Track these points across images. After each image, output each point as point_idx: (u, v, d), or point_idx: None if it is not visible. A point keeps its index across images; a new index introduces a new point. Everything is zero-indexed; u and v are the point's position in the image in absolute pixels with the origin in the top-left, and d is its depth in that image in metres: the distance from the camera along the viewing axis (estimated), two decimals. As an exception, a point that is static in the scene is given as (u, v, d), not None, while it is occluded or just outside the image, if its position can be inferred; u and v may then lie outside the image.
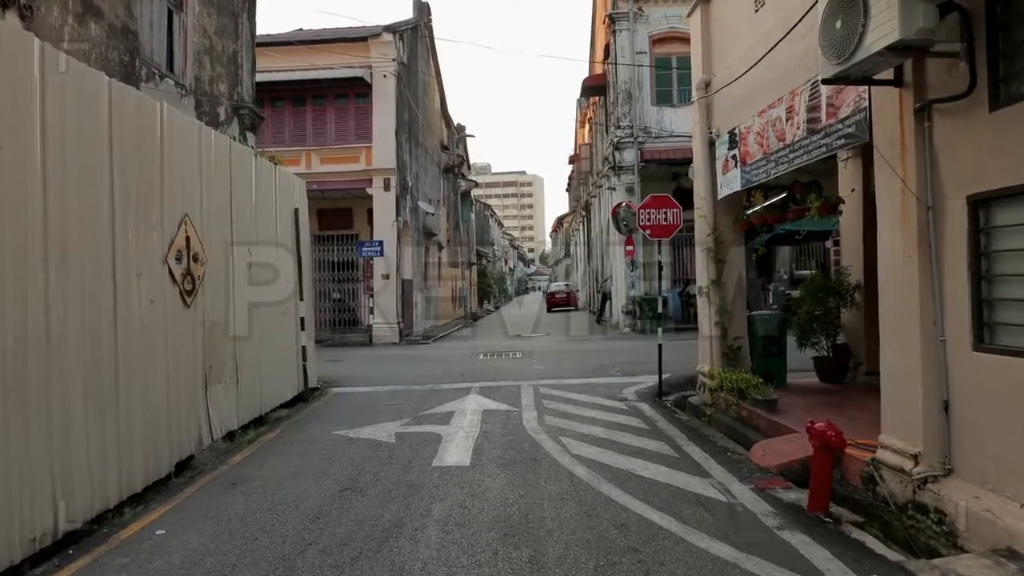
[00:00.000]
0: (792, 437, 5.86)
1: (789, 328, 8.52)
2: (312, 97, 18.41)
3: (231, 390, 6.96)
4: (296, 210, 9.25)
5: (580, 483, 5.02)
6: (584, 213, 34.70)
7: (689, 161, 17.72)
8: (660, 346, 8.82)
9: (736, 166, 7.53)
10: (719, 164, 8.02)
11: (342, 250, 19.66)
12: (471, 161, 39.23)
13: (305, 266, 9.57)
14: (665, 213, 8.95)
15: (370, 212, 18.43)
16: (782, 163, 6.43)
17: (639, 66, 18.16)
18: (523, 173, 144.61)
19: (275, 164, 8.58)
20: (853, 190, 8.29)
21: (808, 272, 19.67)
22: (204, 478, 5.53)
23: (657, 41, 18.53)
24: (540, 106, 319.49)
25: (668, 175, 18.28)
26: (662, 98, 18.50)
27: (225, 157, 6.97)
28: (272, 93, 18.28)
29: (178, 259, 5.81)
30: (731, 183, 7.70)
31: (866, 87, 4.83)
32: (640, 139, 18.09)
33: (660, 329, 8.94)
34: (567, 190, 46.95)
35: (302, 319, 9.20)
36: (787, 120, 6.28)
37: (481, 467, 5.51)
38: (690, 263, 19.23)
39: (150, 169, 5.39)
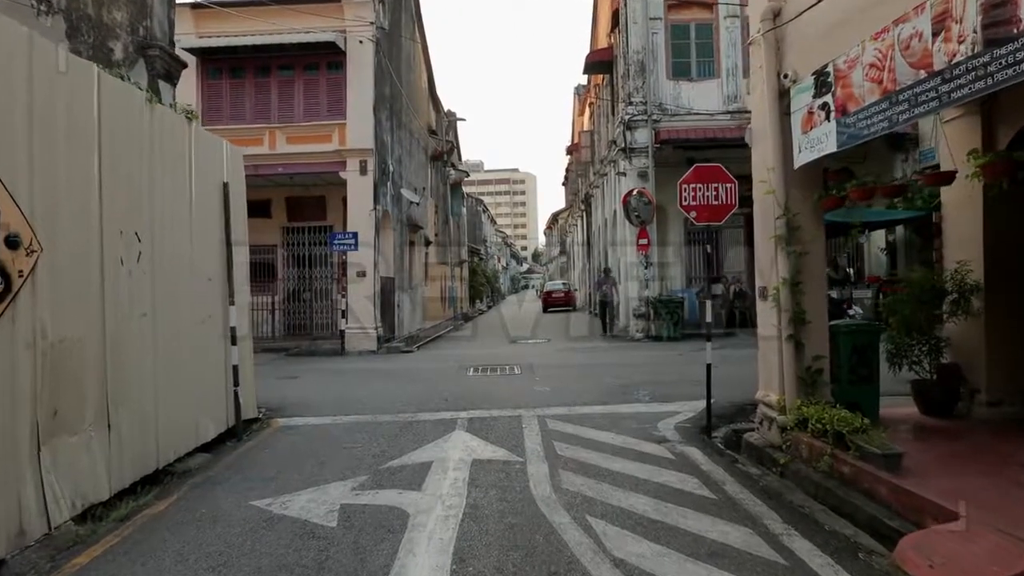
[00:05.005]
0: (969, 531, 3.67)
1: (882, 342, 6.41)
2: (278, 67, 16.00)
3: (97, 442, 4.69)
4: (225, 185, 6.98)
5: (643, 644, 2.79)
6: (583, 207, 32.50)
7: (711, 143, 15.67)
8: (709, 366, 6.61)
9: (828, 118, 5.30)
10: (796, 120, 5.81)
11: (314, 244, 17.40)
12: (463, 156, 36.90)
13: (242, 260, 7.34)
14: (716, 189, 6.71)
15: (346, 200, 16.12)
16: (925, 102, 4.22)
17: (654, 28, 15.91)
18: (515, 171, 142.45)
19: (191, 119, 6.31)
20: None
21: (827, 269, 17.79)
22: (-2, 613, 3.27)
23: (673, 7, 16.29)
24: (533, 103, 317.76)
25: (682, 160, 16.09)
26: (679, 71, 16.25)
27: (89, 96, 4.70)
28: (232, 61, 15.97)
29: (-31, 243, 3.55)
30: (818, 144, 5.48)
31: None
32: (655, 117, 15.84)
33: (709, 345, 6.71)
34: (564, 183, 44.68)
35: (233, 330, 6.93)
36: (935, 35, 4.08)
37: (467, 595, 3.27)
38: (695, 260, 17.41)
39: None
